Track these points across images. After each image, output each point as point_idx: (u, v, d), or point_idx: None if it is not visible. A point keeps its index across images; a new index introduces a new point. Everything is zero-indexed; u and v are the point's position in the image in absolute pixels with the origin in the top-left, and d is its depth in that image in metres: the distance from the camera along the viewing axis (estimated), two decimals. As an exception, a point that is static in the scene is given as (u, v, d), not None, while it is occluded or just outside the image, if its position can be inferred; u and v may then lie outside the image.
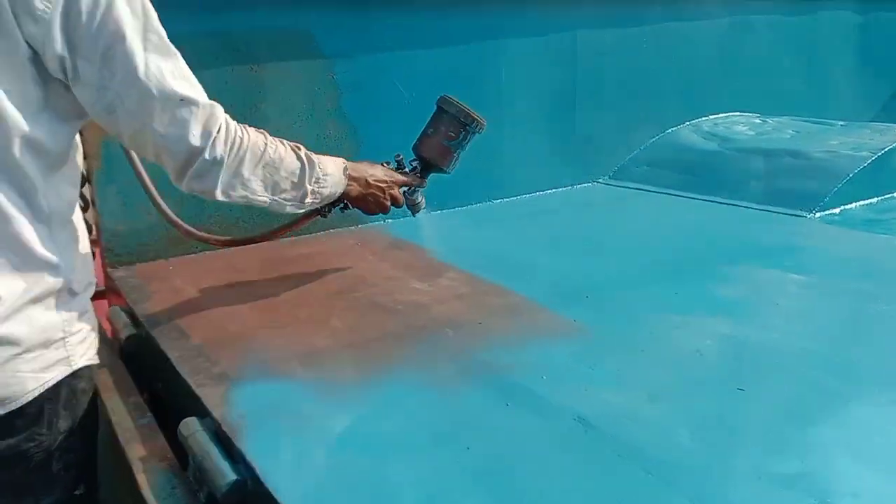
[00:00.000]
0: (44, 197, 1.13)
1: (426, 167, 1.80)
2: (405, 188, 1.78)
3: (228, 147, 1.28)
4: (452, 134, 1.75)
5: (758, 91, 3.27)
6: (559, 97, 2.73)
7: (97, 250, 2.06)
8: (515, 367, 1.33)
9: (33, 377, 1.15)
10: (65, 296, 1.19)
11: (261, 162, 1.36)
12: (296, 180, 1.44)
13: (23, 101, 1.08)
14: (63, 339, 1.19)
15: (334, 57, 2.21)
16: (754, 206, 2.42)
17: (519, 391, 1.25)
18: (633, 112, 2.92)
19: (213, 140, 1.25)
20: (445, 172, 1.81)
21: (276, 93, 2.14)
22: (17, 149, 1.08)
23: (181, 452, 1.21)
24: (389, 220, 2.40)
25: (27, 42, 1.05)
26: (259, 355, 1.42)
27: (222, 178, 1.30)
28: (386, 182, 1.69)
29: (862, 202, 2.38)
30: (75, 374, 1.22)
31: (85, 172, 1.98)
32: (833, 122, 2.99)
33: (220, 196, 1.32)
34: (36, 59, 1.07)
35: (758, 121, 3.09)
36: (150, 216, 1.98)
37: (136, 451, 1.23)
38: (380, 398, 1.24)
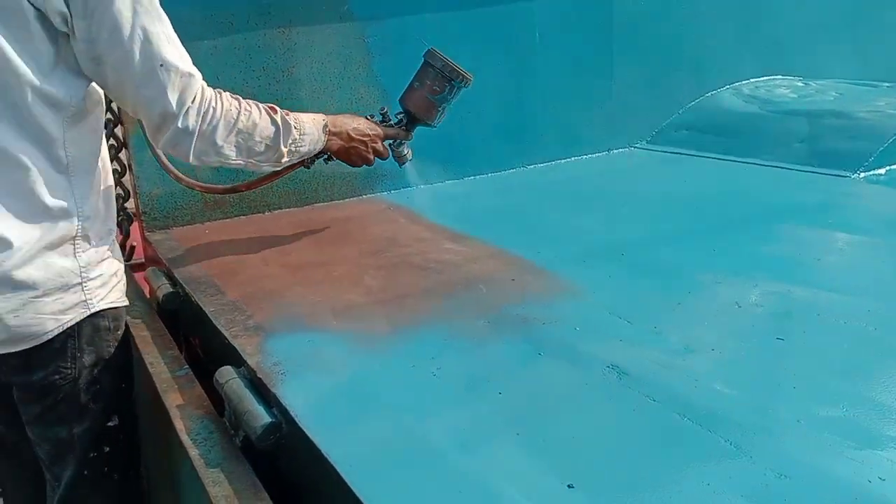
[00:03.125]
0: (63, 148, 1.20)
1: (412, 120, 1.81)
2: (390, 140, 1.81)
3: (201, 117, 1.32)
4: (438, 88, 1.75)
5: (801, 55, 3.17)
6: (596, 60, 2.68)
7: (137, 223, 2.09)
8: (548, 320, 1.32)
9: (53, 318, 1.23)
10: (82, 243, 1.26)
11: (234, 130, 1.39)
12: (270, 143, 1.48)
13: (34, 58, 1.14)
14: (80, 283, 1.26)
15: (366, 20, 2.19)
16: (797, 167, 2.34)
17: (552, 342, 1.24)
18: (671, 76, 2.86)
19: (187, 109, 1.29)
20: (431, 126, 1.82)
21: (307, 56, 2.13)
22: (33, 103, 1.15)
23: (218, 402, 1.23)
24: (422, 186, 2.40)
25: (30, 2, 1.11)
26: (293, 309, 1.43)
27: (195, 146, 1.34)
28: (369, 136, 1.72)
29: (909, 162, 2.30)
30: (97, 314, 1.29)
31: (122, 138, 2.02)
32: (879, 83, 2.89)
33: (193, 161, 1.37)
34: (41, 16, 1.12)
35: (800, 84, 2.99)
36: (187, 180, 1.99)
37: (173, 400, 1.24)
38: (413, 348, 1.24)
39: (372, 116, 1.78)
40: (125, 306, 1.39)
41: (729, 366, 1.13)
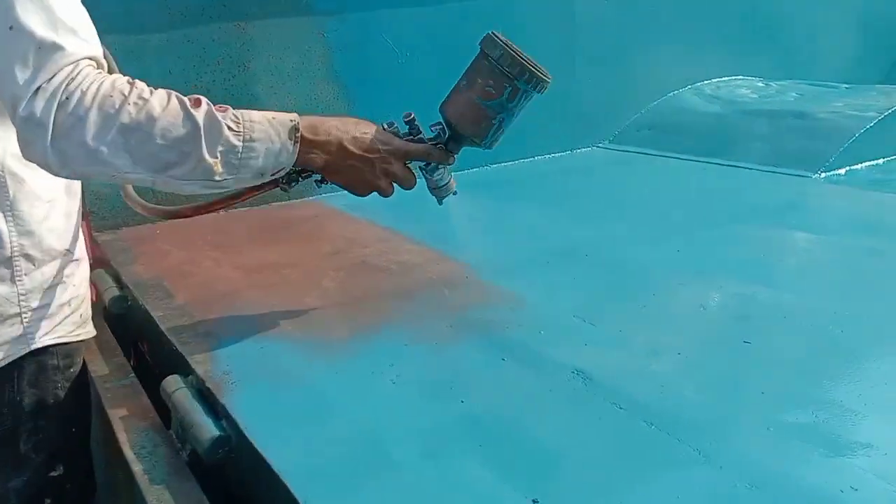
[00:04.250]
0: None
1: (454, 135, 1.20)
2: (420, 163, 1.21)
3: (57, 102, 0.91)
4: (493, 90, 1.16)
5: (761, 54, 3.19)
6: (558, 59, 2.66)
7: (84, 223, 2.00)
8: (512, 324, 1.28)
9: None
10: (23, 263, 1.08)
11: (115, 126, 0.93)
12: (185, 149, 0.97)
13: None
14: (19, 314, 1.09)
15: (324, 15, 2.14)
16: (758, 167, 2.36)
17: (515, 347, 1.20)
18: (633, 75, 2.85)
19: (37, 89, 0.90)
20: (480, 145, 1.21)
21: (264, 51, 2.07)
22: None
23: (165, 413, 1.16)
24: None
25: None
26: (246, 314, 1.37)
27: (53, 147, 0.92)
28: (378, 151, 1.13)
29: (868, 163, 2.33)
30: (42, 351, 1.13)
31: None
32: (837, 84, 2.92)
33: (60, 172, 0.96)
34: None
35: (761, 84, 3.02)
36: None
37: (116, 411, 1.18)
38: (372, 354, 1.19)
39: (391, 124, 1.19)
40: (83, 341, 1.19)
41: (695, 370, 1.11)
